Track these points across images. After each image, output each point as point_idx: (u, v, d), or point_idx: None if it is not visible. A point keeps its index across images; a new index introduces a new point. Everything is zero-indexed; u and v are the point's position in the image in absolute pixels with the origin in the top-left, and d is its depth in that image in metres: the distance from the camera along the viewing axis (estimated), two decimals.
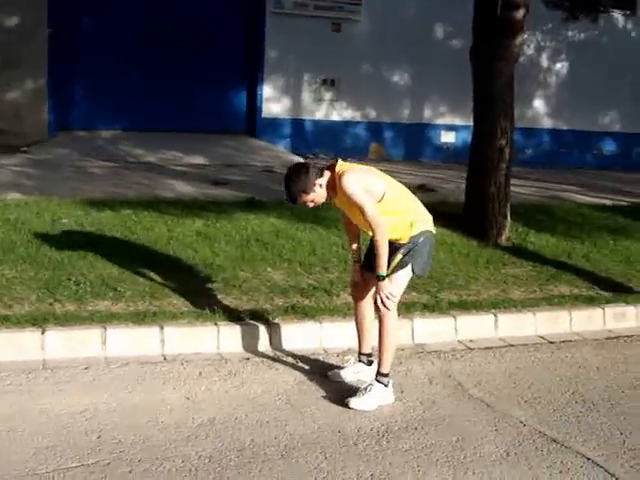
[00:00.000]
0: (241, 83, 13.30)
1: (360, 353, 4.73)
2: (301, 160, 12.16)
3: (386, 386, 4.40)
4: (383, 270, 4.27)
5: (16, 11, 11.62)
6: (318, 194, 4.29)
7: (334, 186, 4.29)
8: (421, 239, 4.42)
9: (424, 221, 4.51)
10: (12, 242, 6.20)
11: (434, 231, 4.56)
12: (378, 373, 4.43)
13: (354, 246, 4.63)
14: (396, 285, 4.38)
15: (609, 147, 15.50)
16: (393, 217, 4.33)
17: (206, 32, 12.73)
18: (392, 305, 4.35)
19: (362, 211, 4.21)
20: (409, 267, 4.40)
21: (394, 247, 4.35)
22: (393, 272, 4.36)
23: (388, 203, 4.32)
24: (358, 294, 4.68)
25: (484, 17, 7.69)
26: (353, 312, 4.77)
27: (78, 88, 12.45)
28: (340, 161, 4.38)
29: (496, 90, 7.65)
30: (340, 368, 4.76)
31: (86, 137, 12.17)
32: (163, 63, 12.60)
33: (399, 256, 4.37)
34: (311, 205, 4.34)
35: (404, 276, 4.42)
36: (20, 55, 11.64)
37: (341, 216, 4.72)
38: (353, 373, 4.69)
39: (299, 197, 4.27)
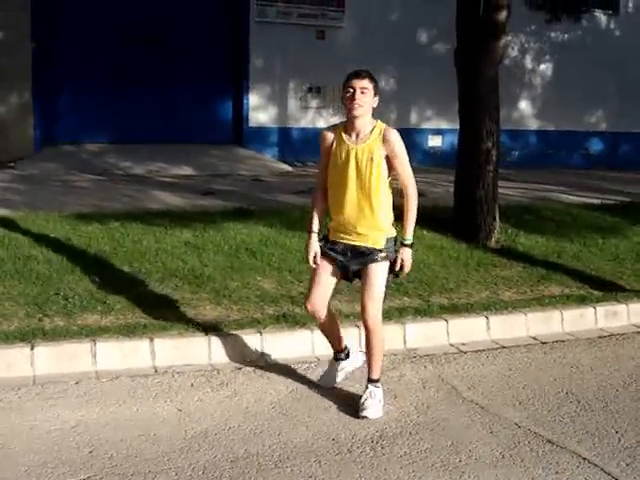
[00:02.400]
0: (227, 93, 13.31)
1: (337, 352, 4.66)
2: (289, 168, 12.20)
3: (379, 388, 4.38)
4: (411, 234, 4.27)
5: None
6: (370, 102, 4.19)
7: (370, 131, 4.21)
8: (392, 243, 4.32)
9: None
10: None
11: None
12: (372, 380, 4.37)
13: (317, 219, 4.39)
14: (380, 297, 4.28)
15: (595, 146, 15.58)
16: (388, 206, 4.31)
17: (191, 43, 12.75)
18: (379, 311, 4.27)
19: (404, 166, 4.22)
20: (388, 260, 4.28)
21: (371, 251, 4.24)
22: (382, 260, 4.24)
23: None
24: (319, 303, 4.39)
25: (467, 19, 7.71)
26: (318, 324, 4.62)
27: (63, 102, 12.43)
28: None
29: (481, 92, 7.66)
30: (327, 373, 4.71)
31: (72, 151, 12.15)
32: (148, 74, 12.61)
33: (381, 256, 4.25)
34: (359, 103, 4.14)
35: (383, 289, 4.31)
36: (4, 70, 11.62)
37: (318, 183, 4.44)
38: (339, 372, 4.67)
39: (369, 82, 4.17)
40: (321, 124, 13.41)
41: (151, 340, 4.95)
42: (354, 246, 4.27)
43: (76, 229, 7.11)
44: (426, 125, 14.26)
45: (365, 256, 4.24)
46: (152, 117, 12.52)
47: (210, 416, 4.23)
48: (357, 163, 4.19)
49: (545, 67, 15.11)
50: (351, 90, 4.14)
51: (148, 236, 6.99)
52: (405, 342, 5.46)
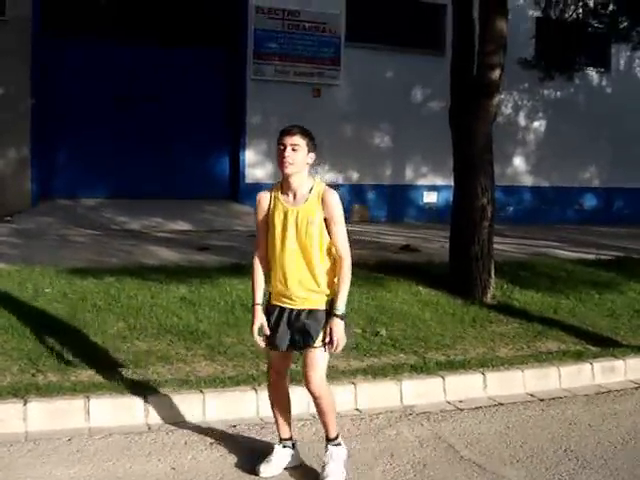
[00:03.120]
0: (223, 149, 13.41)
1: (283, 439, 4.28)
2: None
3: (340, 444, 4.15)
4: (343, 305, 3.98)
5: None
6: (302, 159, 3.97)
7: (309, 191, 4.00)
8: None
9: None
10: None
11: None
12: (330, 440, 4.13)
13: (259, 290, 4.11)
14: (323, 363, 4.04)
15: (590, 202, 15.68)
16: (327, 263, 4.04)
17: (188, 99, 12.88)
18: (322, 377, 4.03)
19: (340, 233, 3.96)
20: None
21: (315, 315, 4.00)
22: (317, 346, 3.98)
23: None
24: (280, 365, 4.18)
25: (461, 78, 7.84)
26: (273, 397, 4.26)
27: (61, 157, 12.50)
28: None
29: (475, 149, 7.74)
30: (268, 461, 4.21)
31: (69, 205, 12.17)
32: (145, 130, 12.70)
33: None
34: (289, 160, 3.92)
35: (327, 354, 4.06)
36: (3, 125, 11.73)
37: (257, 251, 4.14)
38: (288, 459, 4.27)
39: (300, 138, 3.96)
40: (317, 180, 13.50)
41: (145, 397, 4.91)
42: (295, 310, 4.01)
43: (72, 284, 7.10)
44: (421, 181, 14.36)
45: (307, 322, 3.98)
46: (148, 173, 12.58)
47: (204, 475, 4.16)
48: (296, 225, 3.97)
49: (538, 124, 15.29)
50: (282, 147, 3.96)
51: (143, 291, 6.98)
52: (401, 399, 5.41)
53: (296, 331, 4.02)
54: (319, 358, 4.01)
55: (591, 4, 11.71)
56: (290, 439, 4.29)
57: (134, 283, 7.22)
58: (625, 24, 11.17)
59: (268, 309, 4.12)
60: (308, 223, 3.95)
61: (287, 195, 4.06)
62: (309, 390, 4.04)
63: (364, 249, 9.89)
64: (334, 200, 4.01)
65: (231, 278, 7.55)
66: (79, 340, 5.71)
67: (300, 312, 4.01)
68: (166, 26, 12.81)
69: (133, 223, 11.33)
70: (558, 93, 15.02)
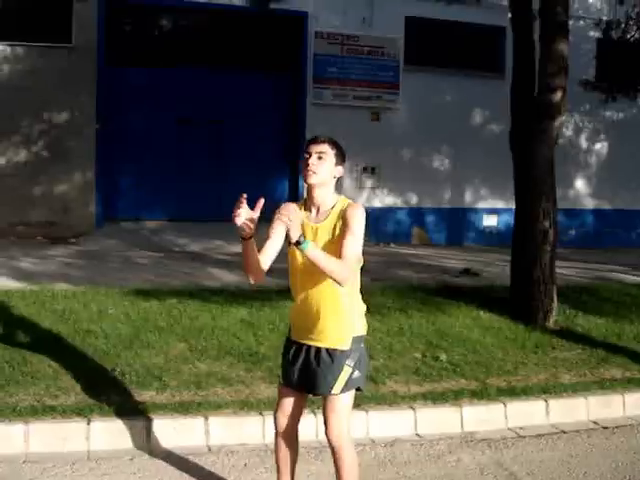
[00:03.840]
0: (283, 172, 13.54)
1: None
2: None
3: None
4: (312, 248, 3.33)
5: (66, 108, 12.13)
6: (329, 170, 3.56)
7: (331, 207, 3.56)
8: (363, 344, 3.65)
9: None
10: (59, 332, 6.27)
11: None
12: None
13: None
14: (346, 408, 3.58)
15: None
16: (355, 294, 3.63)
17: (248, 123, 13.07)
18: (345, 426, 3.59)
19: (349, 243, 3.38)
20: (358, 383, 3.60)
21: (334, 356, 3.54)
22: (341, 391, 3.55)
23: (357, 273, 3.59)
24: (286, 410, 3.74)
25: (522, 101, 7.78)
26: (277, 443, 3.82)
27: (124, 180, 12.80)
28: None
29: (537, 172, 7.65)
30: None
31: (132, 228, 12.43)
32: (205, 154, 12.94)
33: (347, 370, 3.53)
34: (313, 169, 3.52)
35: (351, 398, 3.62)
36: (70, 150, 12.08)
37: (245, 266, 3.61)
38: None
39: (328, 147, 3.57)
40: (377, 204, 13.53)
41: (205, 418, 4.95)
42: (316, 348, 3.59)
43: (135, 305, 7.23)
44: (481, 204, 14.27)
45: (325, 365, 3.54)
46: (209, 195, 12.77)
47: None
48: (318, 244, 3.47)
49: (600, 146, 15.07)
50: (307, 155, 3.56)
51: (205, 313, 7.07)
52: (462, 425, 5.35)
53: (311, 372, 3.60)
54: (349, 397, 3.60)
55: None
56: None
57: (195, 305, 7.31)
58: None
59: (286, 344, 3.81)
60: (328, 242, 3.49)
61: (310, 211, 3.64)
62: (327, 437, 3.61)
63: (424, 272, 9.85)
64: (355, 211, 3.47)
65: (290, 300, 7.54)
66: (141, 360, 5.79)
67: (318, 350, 3.58)
68: (226, 52, 13.06)
69: (194, 245, 11.51)
70: (620, 114, 14.80)
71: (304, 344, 3.64)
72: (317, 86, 13.25)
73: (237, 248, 12.82)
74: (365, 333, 3.65)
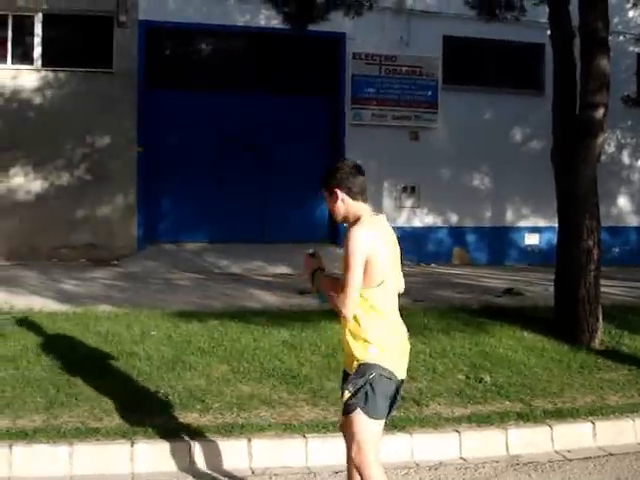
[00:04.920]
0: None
1: None
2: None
3: None
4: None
5: (108, 132, 12.33)
6: (338, 208, 3.75)
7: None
8: (374, 374, 3.51)
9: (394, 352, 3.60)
10: (102, 354, 6.32)
11: (398, 377, 3.59)
12: None
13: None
14: (357, 433, 3.52)
15: None
16: (378, 316, 3.57)
17: (288, 145, 13.14)
18: (367, 454, 3.52)
19: (344, 278, 3.50)
20: (356, 409, 3.50)
21: (345, 378, 3.63)
22: (343, 412, 3.61)
23: (383, 294, 3.59)
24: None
25: (564, 118, 7.71)
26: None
27: (165, 203, 12.94)
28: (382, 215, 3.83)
29: (580, 190, 7.56)
30: None
31: (173, 250, 12.54)
32: (245, 175, 13.03)
33: (346, 394, 3.54)
34: (330, 211, 3.80)
35: (360, 423, 3.51)
36: (113, 173, 12.26)
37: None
38: None
39: (323, 190, 3.80)
40: (416, 223, 13.48)
41: (249, 440, 4.93)
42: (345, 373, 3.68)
43: (177, 326, 7.27)
44: (522, 223, 14.14)
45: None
46: (249, 217, 12.86)
47: None
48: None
49: None
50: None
51: (246, 334, 7.08)
52: (507, 448, 5.25)
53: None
54: (353, 422, 3.53)
55: None
56: None
57: (237, 326, 7.33)
58: None
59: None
60: (344, 269, 3.56)
61: None
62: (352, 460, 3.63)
63: (465, 293, 9.76)
64: (346, 242, 3.58)
65: (332, 322, 7.55)
66: (184, 382, 5.80)
67: (348, 375, 3.62)
68: (264, 74, 13.19)
69: (234, 267, 11.56)
70: None
71: (345, 370, 3.77)
72: (356, 107, 13.30)
73: (276, 269, 12.89)
74: (380, 364, 3.53)
